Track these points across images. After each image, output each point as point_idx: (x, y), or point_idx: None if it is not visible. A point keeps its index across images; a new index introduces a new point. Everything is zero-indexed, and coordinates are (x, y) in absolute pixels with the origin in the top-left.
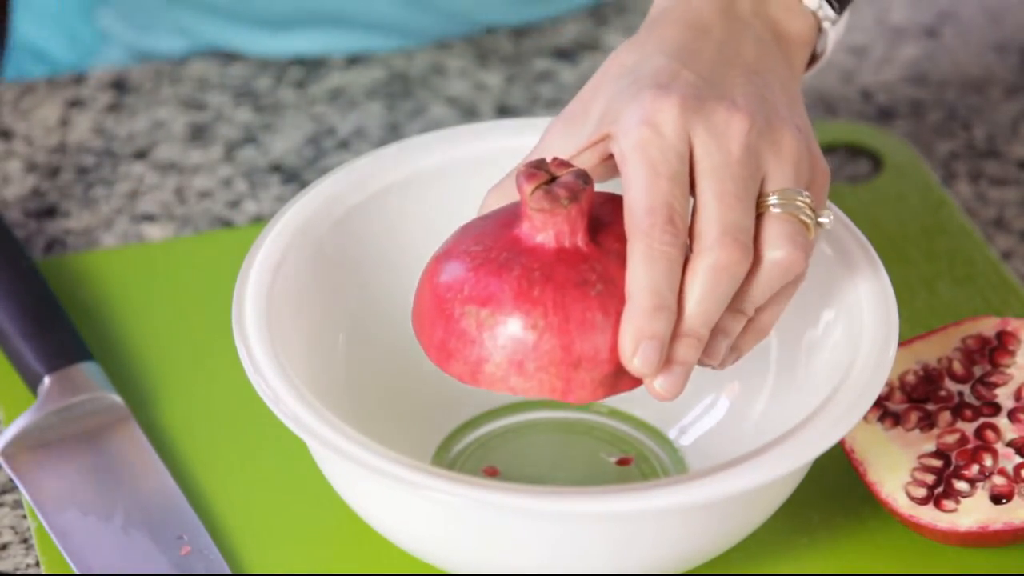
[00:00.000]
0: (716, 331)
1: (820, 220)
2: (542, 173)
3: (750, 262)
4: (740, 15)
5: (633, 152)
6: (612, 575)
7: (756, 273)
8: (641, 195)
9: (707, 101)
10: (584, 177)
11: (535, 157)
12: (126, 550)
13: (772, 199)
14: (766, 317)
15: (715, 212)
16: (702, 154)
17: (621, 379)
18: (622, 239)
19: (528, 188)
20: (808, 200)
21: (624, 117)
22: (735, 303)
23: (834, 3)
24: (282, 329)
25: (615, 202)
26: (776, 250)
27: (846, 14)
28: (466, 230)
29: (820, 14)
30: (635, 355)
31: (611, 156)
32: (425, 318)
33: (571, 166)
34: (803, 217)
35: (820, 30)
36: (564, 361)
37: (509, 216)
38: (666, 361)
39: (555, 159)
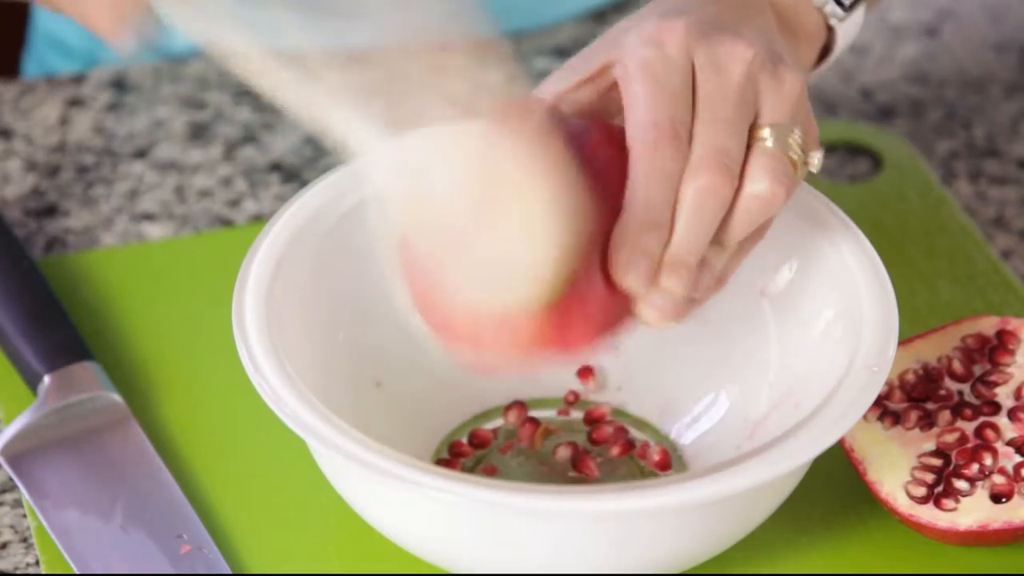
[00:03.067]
0: (701, 263)
1: (809, 160)
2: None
3: (733, 188)
4: (748, 2)
5: (637, 69)
6: (612, 575)
7: (736, 204)
8: (645, 110)
9: (713, 31)
10: (555, 113)
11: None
12: (126, 549)
13: (764, 131)
14: (734, 259)
15: (704, 135)
16: (701, 78)
17: (616, 319)
18: (599, 177)
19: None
20: (799, 139)
21: (627, 41)
22: (717, 235)
23: (842, 2)
24: (282, 328)
25: (595, 132)
26: (758, 183)
27: (860, 13)
28: None
29: (827, 10)
30: (628, 270)
31: (612, 87)
32: (415, 288)
33: (538, 105)
34: (792, 155)
35: (830, 28)
36: (559, 324)
37: None
38: (656, 287)
39: (521, 102)
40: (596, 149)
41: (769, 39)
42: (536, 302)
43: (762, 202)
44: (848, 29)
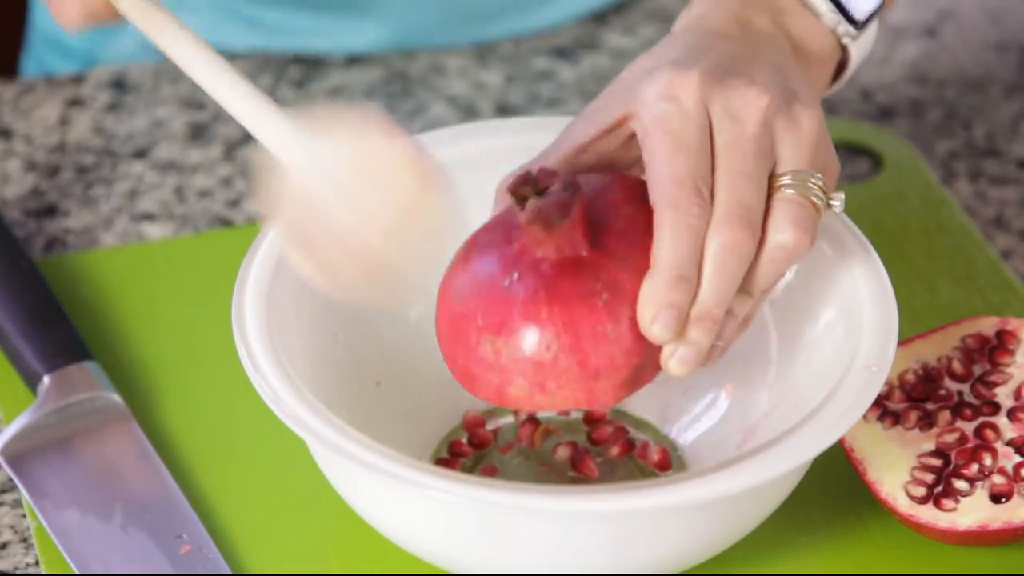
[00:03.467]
0: (727, 313)
1: (831, 203)
2: (528, 189)
3: (756, 241)
4: (760, 29)
5: (655, 125)
6: (612, 575)
7: (760, 254)
8: (666, 167)
9: (726, 77)
10: (573, 188)
11: (552, 152)
12: (126, 549)
13: (785, 179)
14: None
15: (725, 191)
16: (718, 129)
17: (641, 375)
18: (624, 235)
19: (519, 212)
20: (820, 183)
21: (643, 93)
22: (742, 285)
23: (855, 21)
24: (282, 328)
25: (617, 188)
26: (781, 233)
27: (873, 30)
28: (472, 246)
29: (840, 31)
30: (654, 322)
31: (631, 137)
32: (447, 343)
33: (557, 176)
34: (814, 199)
35: (843, 47)
36: (583, 376)
37: (511, 225)
38: (681, 338)
39: (541, 169)
40: (620, 205)
41: (784, 76)
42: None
43: (787, 252)
44: (862, 45)
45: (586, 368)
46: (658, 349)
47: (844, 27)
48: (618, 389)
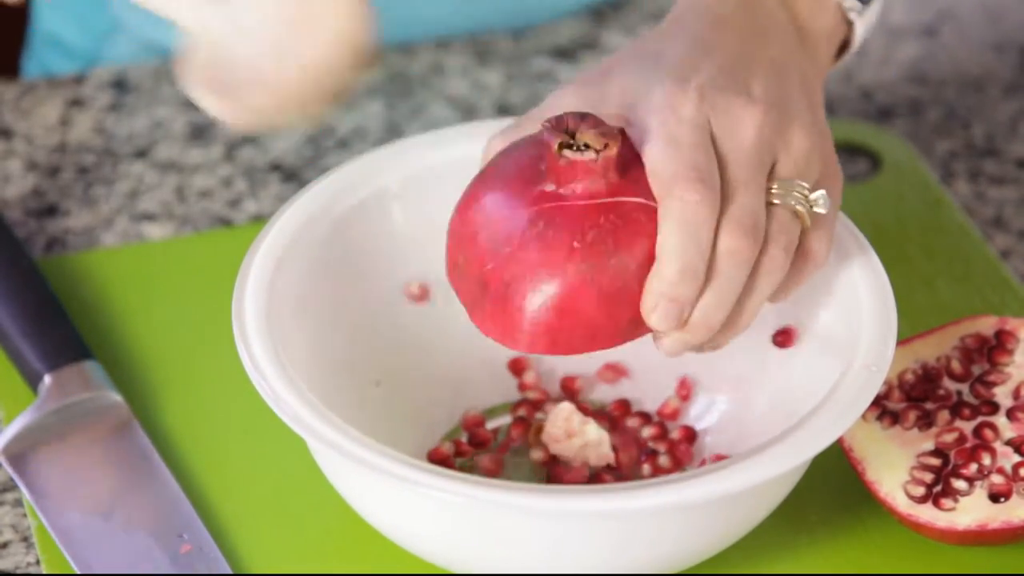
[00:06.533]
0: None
1: (814, 208)
2: (565, 125)
3: (759, 247)
4: (764, 9)
5: (653, 132)
6: (611, 574)
7: (760, 265)
8: (665, 162)
9: (725, 93)
10: (610, 131)
11: (549, 113)
12: (126, 548)
13: (774, 188)
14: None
15: (729, 197)
16: (719, 140)
17: (636, 329)
18: (639, 182)
19: (554, 143)
20: (805, 189)
21: (642, 104)
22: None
23: None
24: (282, 328)
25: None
26: (778, 246)
27: (877, 4)
28: (491, 178)
29: (846, 5)
30: (654, 312)
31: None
32: (460, 275)
33: (593, 119)
34: (798, 206)
35: (849, 23)
36: (586, 332)
37: (532, 164)
38: (678, 330)
39: (573, 113)
40: (638, 166)
41: (780, 86)
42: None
43: (779, 264)
44: (867, 19)
45: (592, 324)
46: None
47: (850, 2)
48: (613, 341)
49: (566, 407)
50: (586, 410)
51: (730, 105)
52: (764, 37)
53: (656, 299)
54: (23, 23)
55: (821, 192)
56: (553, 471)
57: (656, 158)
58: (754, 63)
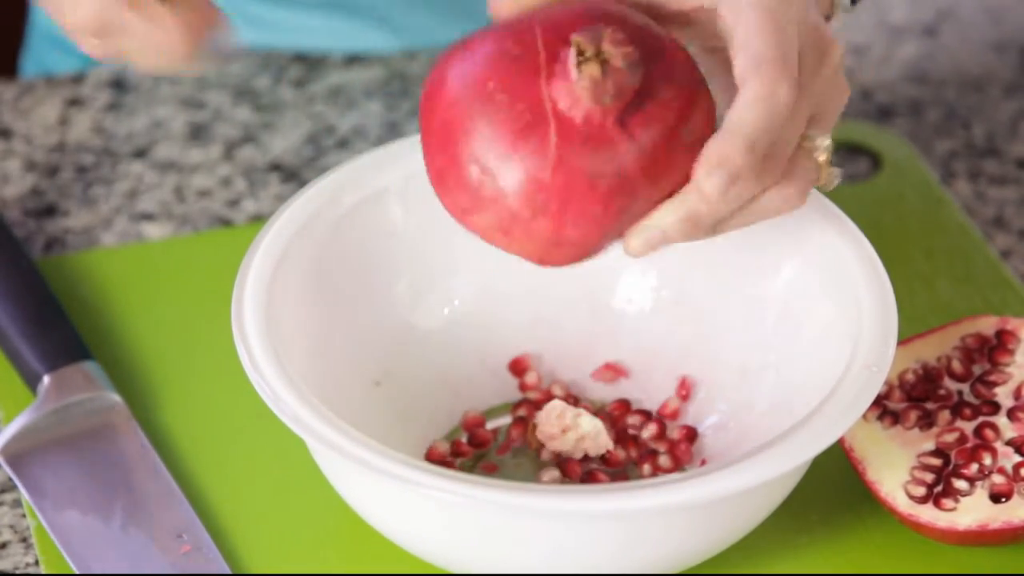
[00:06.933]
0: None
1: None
2: (595, 48)
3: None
4: None
5: (752, 8)
6: (611, 575)
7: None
8: (767, 42)
9: (819, 25)
10: (635, 74)
11: None
12: (126, 549)
13: (817, 140)
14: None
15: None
16: (804, 55)
17: (597, 252)
18: (653, 122)
19: (575, 70)
20: (830, 151)
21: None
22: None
23: None
24: (282, 328)
25: (665, 61)
26: (790, 187)
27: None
28: (488, 47)
29: None
30: (711, 176)
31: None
32: (431, 137)
33: (628, 46)
34: (823, 162)
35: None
36: (549, 241)
37: (534, 52)
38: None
39: (614, 33)
40: (660, 85)
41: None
42: None
43: (788, 205)
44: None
45: (556, 236)
46: (622, 231)
47: None
48: (570, 260)
49: (557, 404)
50: (576, 401)
51: (821, 27)
52: None
53: (711, 167)
54: (22, 21)
55: (839, 170)
56: (563, 467)
57: (754, 34)
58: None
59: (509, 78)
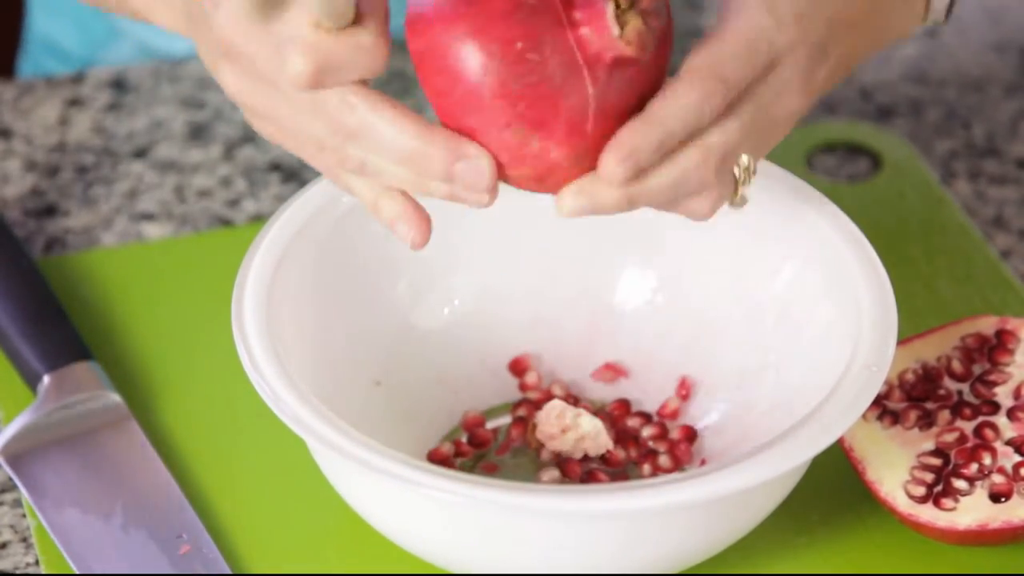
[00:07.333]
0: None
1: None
2: (629, 1)
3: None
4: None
5: (737, 28)
6: (610, 574)
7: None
8: (733, 61)
9: (812, 62)
10: (663, 15)
11: None
12: (126, 549)
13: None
14: None
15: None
16: (763, 83)
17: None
18: (664, 55)
19: (614, 23)
20: (752, 174)
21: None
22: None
23: None
24: (282, 328)
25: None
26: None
27: None
28: (497, 3)
29: None
30: (616, 164)
31: None
32: (456, 100)
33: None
34: (741, 178)
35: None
36: (537, 177)
37: (550, 2)
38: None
39: None
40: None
41: (833, 77)
42: None
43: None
44: None
45: (546, 170)
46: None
47: None
48: (553, 189)
49: (556, 404)
50: (576, 401)
51: (801, 74)
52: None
53: (621, 151)
54: (18, 25)
55: (749, 192)
56: (563, 467)
57: (727, 40)
58: (845, 40)
59: (536, 34)
